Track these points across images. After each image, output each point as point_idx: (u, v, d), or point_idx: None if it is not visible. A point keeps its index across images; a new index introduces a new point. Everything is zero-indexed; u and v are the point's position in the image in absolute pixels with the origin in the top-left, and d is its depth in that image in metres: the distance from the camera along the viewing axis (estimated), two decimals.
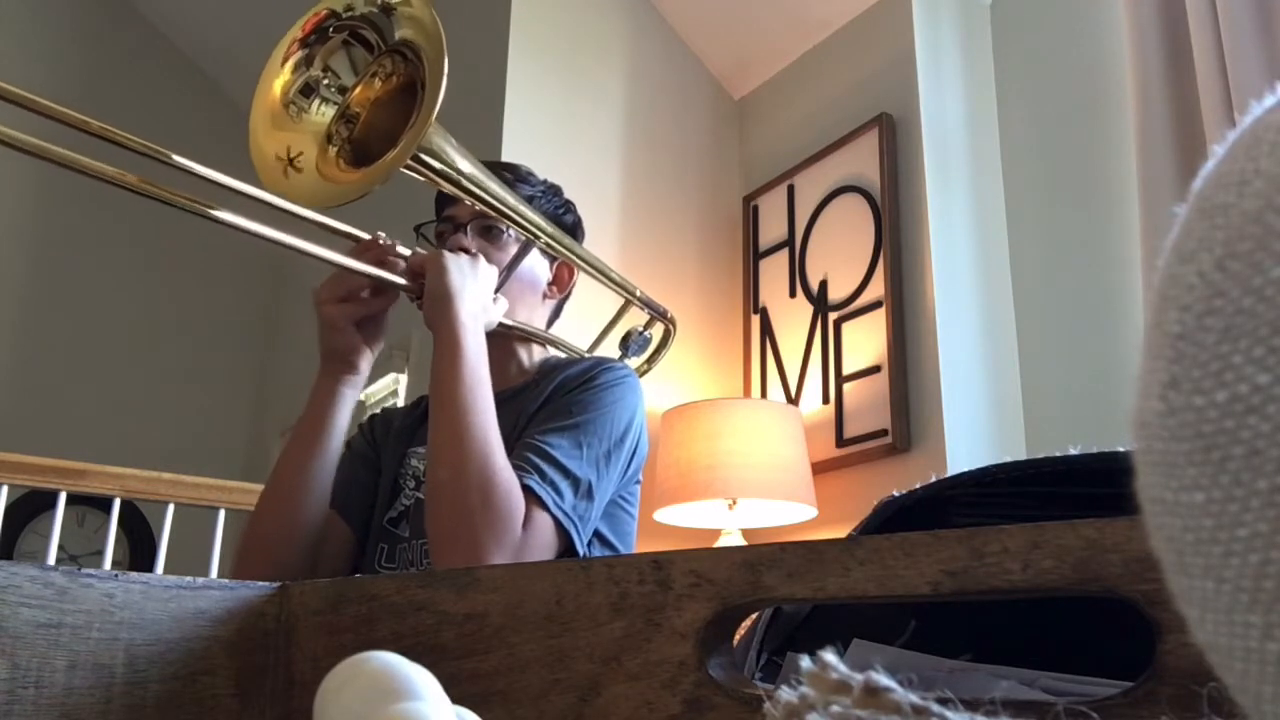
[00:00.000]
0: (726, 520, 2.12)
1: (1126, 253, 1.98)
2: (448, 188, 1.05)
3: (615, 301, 1.44)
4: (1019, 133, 2.33)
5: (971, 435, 2.08)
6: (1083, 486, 0.53)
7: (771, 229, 2.60)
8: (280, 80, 1.00)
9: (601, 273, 1.28)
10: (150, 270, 3.86)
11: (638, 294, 1.37)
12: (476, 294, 1.07)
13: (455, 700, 0.38)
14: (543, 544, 0.99)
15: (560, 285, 1.28)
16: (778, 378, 2.46)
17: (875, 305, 2.24)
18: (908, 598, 0.41)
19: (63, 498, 2.20)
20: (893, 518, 0.56)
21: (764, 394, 2.48)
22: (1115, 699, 0.36)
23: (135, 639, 0.54)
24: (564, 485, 1.02)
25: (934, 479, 0.58)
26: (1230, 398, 0.18)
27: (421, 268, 1.07)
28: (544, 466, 1.02)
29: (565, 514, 1.01)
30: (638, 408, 1.14)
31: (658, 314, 1.42)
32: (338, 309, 1.05)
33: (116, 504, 2.27)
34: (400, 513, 1.15)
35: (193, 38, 4.02)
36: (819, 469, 2.21)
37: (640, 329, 1.41)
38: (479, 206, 1.09)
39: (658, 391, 2.32)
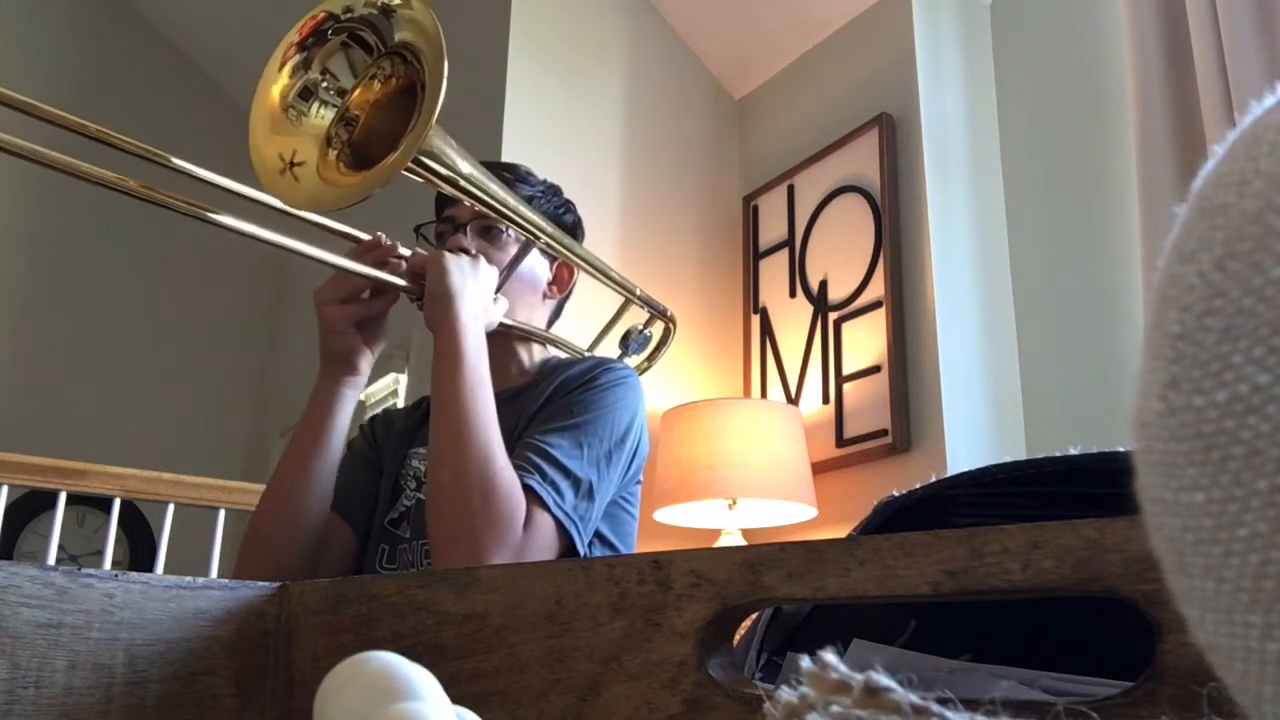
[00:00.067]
0: (726, 520, 2.12)
1: (1126, 253, 1.98)
2: (448, 189, 1.05)
3: (615, 301, 1.44)
4: (1019, 133, 2.33)
5: (971, 435, 2.08)
6: (1083, 486, 0.53)
7: (771, 229, 2.60)
8: (279, 84, 1.00)
9: (601, 272, 1.28)
10: (150, 270, 3.86)
11: (638, 293, 1.37)
12: (477, 294, 1.07)
13: (455, 700, 0.38)
14: (544, 544, 0.99)
15: (560, 285, 1.28)
16: (778, 378, 2.46)
17: (875, 305, 2.24)
18: (908, 598, 0.41)
19: (63, 498, 2.20)
20: (893, 518, 0.56)
21: (764, 394, 2.48)
22: (1115, 699, 0.36)
23: (135, 639, 0.54)
24: (565, 485, 1.02)
25: (934, 479, 0.58)
26: (1230, 398, 0.18)
27: (422, 268, 1.07)
28: (545, 467, 1.02)
29: (566, 514, 1.01)
30: (638, 408, 1.14)
31: (658, 312, 1.42)
32: (338, 310, 1.05)
33: (116, 504, 2.27)
34: (401, 513, 1.15)
35: (193, 38, 4.02)
36: (819, 469, 2.21)
37: (640, 327, 1.41)
38: (479, 207, 1.09)
39: (658, 391, 2.32)
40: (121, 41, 3.95)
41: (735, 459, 2.03)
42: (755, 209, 2.67)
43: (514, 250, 1.18)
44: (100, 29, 3.91)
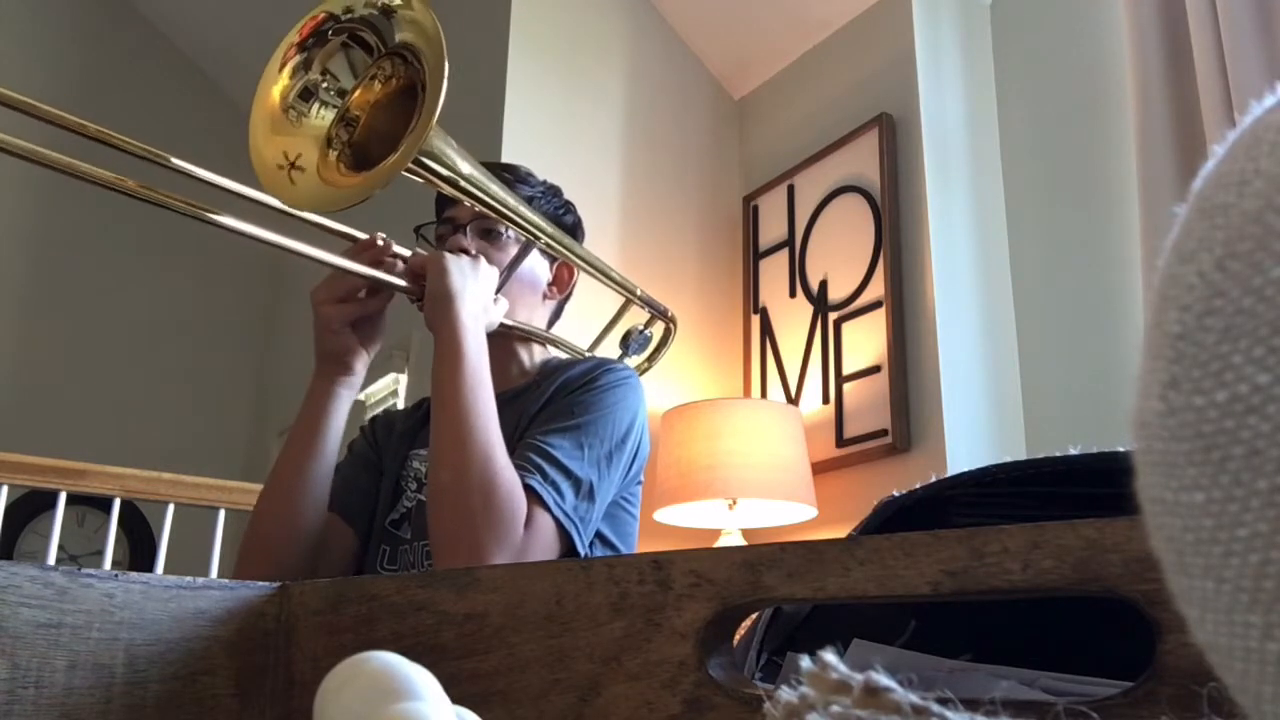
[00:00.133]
0: (726, 520, 2.12)
1: (1126, 253, 1.98)
2: (449, 190, 1.05)
3: (615, 301, 1.44)
4: (1019, 133, 2.33)
5: (971, 435, 2.08)
6: (1083, 486, 0.53)
7: (771, 229, 2.60)
8: (279, 84, 0.99)
9: (602, 272, 1.28)
10: (150, 270, 3.86)
11: (638, 293, 1.37)
12: (477, 295, 1.07)
13: (455, 700, 0.38)
14: (544, 545, 0.99)
15: (560, 285, 1.28)
16: (778, 378, 2.46)
17: (875, 305, 2.24)
18: (908, 598, 0.41)
19: (63, 498, 2.20)
20: (893, 518, 0.56)
21: (764, 394, 2.48)
22: (1115, 699, 0.36)
23: (135, 639, 0.54)
24: (565, 486, 1.02)
25: (934, 479, 0.58)
26: (1230, 398, 0.18)
27: (422, 269, 1.07)
28: (546, 467, 1.02)
29: (567, 515, 1.01)
30: (639, 409, 1.14)
31: (658, 313, 1.42)
32: (334, 309, 1.05)
33: (116, 504, 2.27)
34: (402, 514, 1.15)
35: (193, 38, 4.02)
36: (819, 469, 2.21)
37: (641, 327, 1.41)
38: (479, 208, 1.09)
39: (658, 391, 2.32)
40: (121, 41, 3.95)
41: (735, 459, 2.03)
42: (755, 209, 2.67)
43: (514, 251, 1.18)
44: (100, 29, 3.91)
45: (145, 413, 3.70)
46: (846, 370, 2.28)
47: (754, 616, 0.58)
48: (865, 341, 2.25)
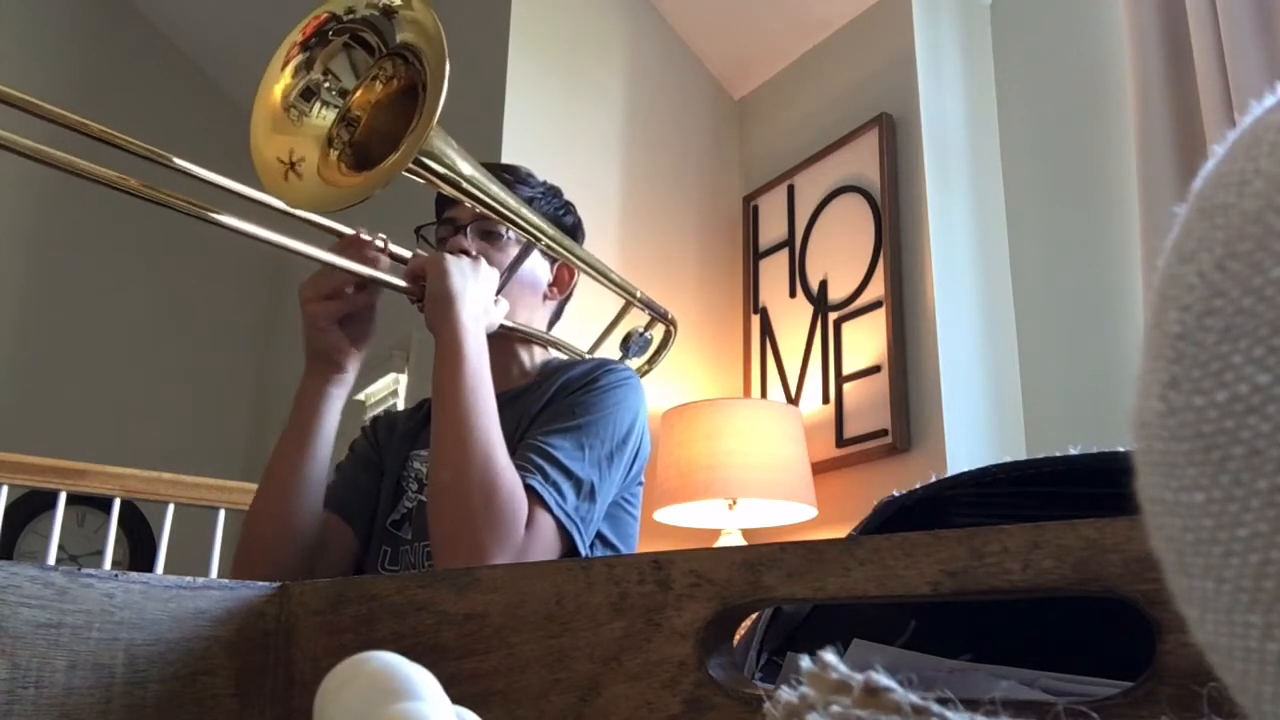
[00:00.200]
0: (726, 520, 2.12)
1: (1126, 253, 1.98)
2: (449, 190, 1.05)
3: (616, 303, 1.44)
4: (1019, 133, 2.33)
5: (971, 435, 2.08)
6: (1083, 486, 0.53)
7: (771, 229, 2.60)
8: (281, 84, 0.99)
9: (602, 274, 1.28)
10: (150, 270, 3.86)
11: (638, 295, 1.37)
12: (477, 296, 1.07)
13: (455, 700, 0.38)
14: (545, 545, 0.99)
15: (561, 286, 1.28)
16: (778, 378, 2.46)
17: (875, 305, 2.24)
18: (908, 598, 0.41)
19: (63, 498, 2.20)
20: (893, 518, 0.56)
21: (764, 394, 2.48)
22: (1115, 699, 0.36)
23: (135, 639, 0.54)
24: (566, 486, 1.02)
25: (934, 479, 0.58)
26: (1230, 398, 0.18)
27: (422, 270, 1.07)
28: (546, 467, 1.02)
29: (567, 515, 1.01)
30: (640, 409, 1.14)
31: (658, 315, 1.42)
32: (321, 307, 1.04)
33: (116, 504, 2.27)
34: (403, 515, 1.15)
35: (193, 38, 4.02)
36: (819, 469, 2.21)
37: (641, 330, 1.41)
38: (479, 209, 1.09)
39: (658, 392, 2.32)
40: (121, 41, 3.95)
41: (735, 459, 2.03)
42: (755, 209, 2.67)
43: (514, 252, 1.18)
44: (100, 29, 3.91)
45: (145, 413, 3.70)
46: (846, 370, 2.28)
47: (754, 616, 0.58)
48: (865, 341, 2.25)
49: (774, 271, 2.56)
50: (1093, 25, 2.16)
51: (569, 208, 1.28)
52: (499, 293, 1.13)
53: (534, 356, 1.24)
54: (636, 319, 1.44)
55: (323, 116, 1.00)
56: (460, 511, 0.95)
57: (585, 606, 0.48)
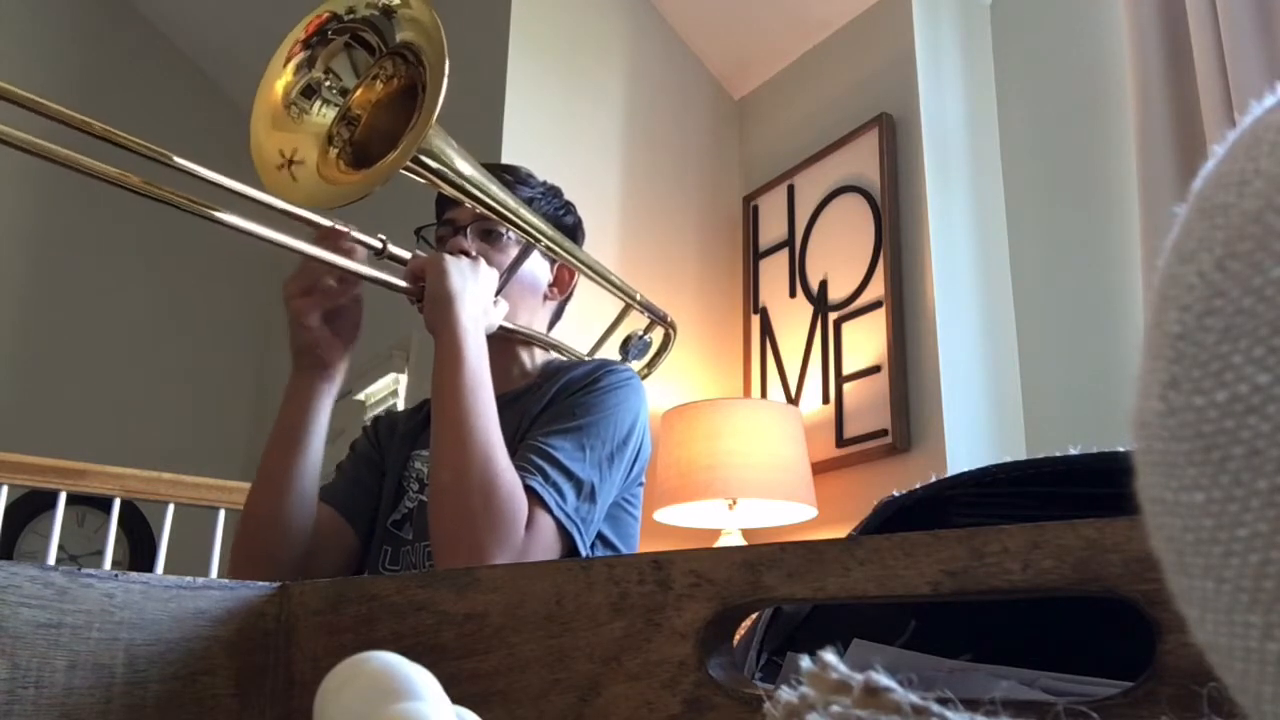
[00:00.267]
0: (726, 520, 2.12)
1: (1126, 253, 1.98)
2: (448, 190, 1.05)
3: (616, 305, 1.44)
4: (1019, 133, 2.33)
5: (971, 435, 2.08)
6: (1083, 486, 0.53)
7: (771, 229, 2.60)
8: (282, 80, 0.99)
9: (602, 276, 1.28)
10: (150, 270, 3.85)
11: (638, 298, 1.37)
12: (477, 297, 1.07)
13: (455, 700, 0.38)
14: (545, 546, 0.99)
15: (561, 287, 1.28)
16: (778, 378, 2.46)
17: (875, 305, 2.24)
18: (908, 598, 0.41)
19: (63, 498, 2.20)
20: (893, 518, 0.56)
21: (764, 394, 2.48)
22: (1115, 699, 0.36)
23: (135, 639, 0.54)
24: (567, 487, 1.02)
25: (934, 479, 0.58)
26: (1230, 398, 0.18)
27: (422, 271, 1.07)
28: (547, 468, 1.02)
29: (568, 516, 1.01)
30: (641, 410, 1.14)
31: (658, 318, 1.42)
32: (303, 302, 1.02)
33: (116, 504, 2.27)
34: (404, 515, 1.15)
35: (193, 38, 4.02)
36: (819, 469, 2.21)
37: (640, 333, 1.41)
38: (479, 209, 1.09)
39: (658, 392, 2.32)
40: (121, 41, 3.95)
41: (735, 459, 2.03)
42: (755, 209, 2.67)
43: (514, 252, 1.18)
44: (100, 28, 3.91)
45: (145, 413, 3.70)
46: (846, 370, 2.28)
47: (754, 616, 0.58)
48: (865, 341, 2.25)
49: (774, 271, 2.56)
50: (1093, 25, 2.16)
51: (569, 208, 1.28)
52: (499, 293, 1.13)
53: (534, 358, 1.24)
54: (636, 321, 1.44)
55: (323, 115, 1.00)
56: (460, 512, 0.95)
57: (585, 606, 0.48)
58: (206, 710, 0.55)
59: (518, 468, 1.00)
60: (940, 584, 0.40)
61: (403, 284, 1.07)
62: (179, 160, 0.91)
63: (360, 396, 2.96)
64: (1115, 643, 0.47)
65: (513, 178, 1.20)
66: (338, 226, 1.02)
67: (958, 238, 2.22)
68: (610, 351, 1.45)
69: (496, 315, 1.11)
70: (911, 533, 0.41)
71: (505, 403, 1.07)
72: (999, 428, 2.13)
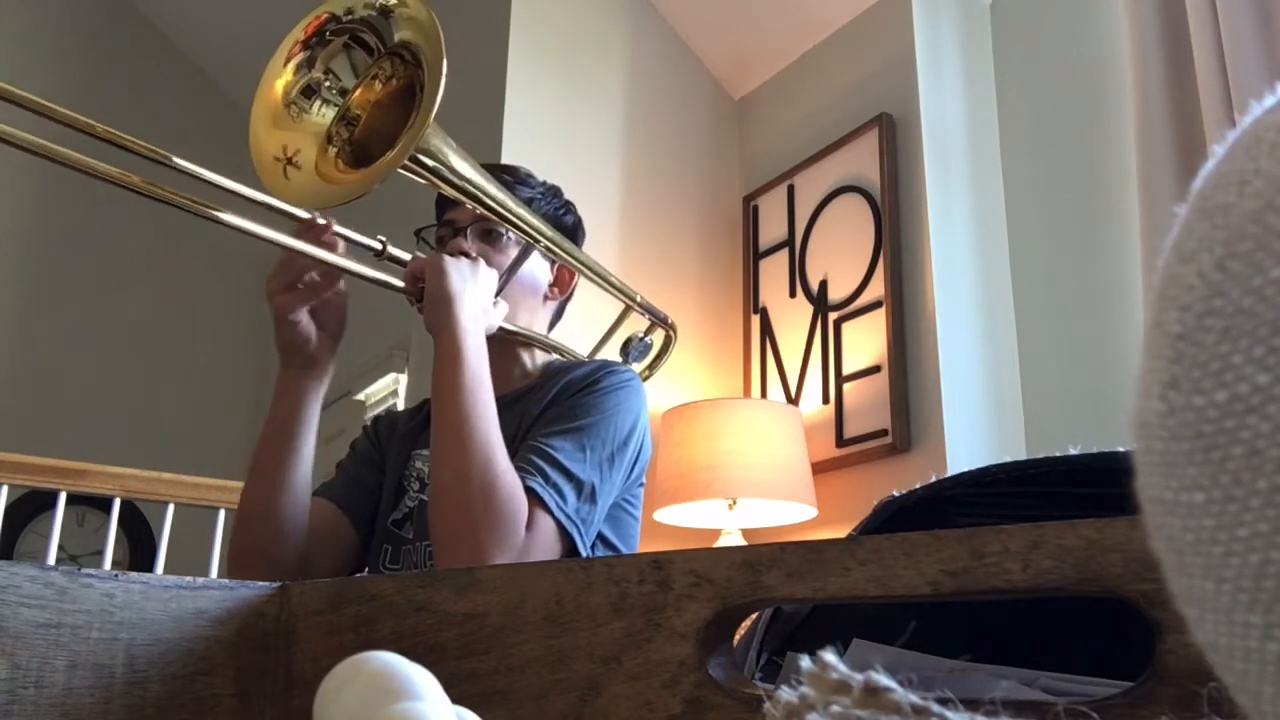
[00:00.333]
0: (726, 520, 2.12)
1: (1126, 253, 1.98)
2: (446, 189, 1.05)
3: (616, 306, 1.44)
4: (1019, 132, 2.33)
5: (971, 435, 2.08)
6: (1083, 486, 0.53)
7: (771, 229, 2.60)
8: (282, 80, 0.99)
9: (602, 278, 1.28)
10: (150, 270, 3.86)
11: (638, 299, 1.37)
12: (477, 298, 1.07)
13: (455, 700, 0.38)
14: (545, 546, 0.99)
15: (561, 287, 1.28)
16: (778, 378, 2.46)
17: (875, 305, 2.24)
18: (908, 598, 0.41)
19: (63, 498, 2.20)
20: (893, 518, 0.56)
21: (764, 394, 2.48)
22: (1115, 699, 0.36)
23: (135, 639, 0.54)
24: (567, 488, 1.02)
25: (934, 479, 0.58)
26: (1230, 398, 0.18)
27: (421, 272, 1.07)
28: (547, 469, 1.02)
29: (568, 517, 1.01)
30: (641, 411, 1.14)
31: (658, 320, 1.42)
32: (286, 298, 1.02)
33: (116, 504, 2.27)
34: (404, 514, 1.15)
35: (193, 37, 4.02)
36: (819, 469, 2.21)
37: (641, 335, 1.41)
38: (479, 210, 1.09)
39: (658, 392, 2.32)
40: (121, 40, 3.95)
41: (735, 459, 2.03)
42: (755, 209, 2.67)
43: (514, 253, 1.18)
44: (100, 28, 3.91)
45: (145, 413, 3.70)
46: (846, 370, 2.28)
47: (754, 616, 0.58)
48: (865, 341, 2.25)
49: (774, 271, 2.56)
50: (1093, 25, 2.16)
51: (569, 207, 1.28)
52: (499, 294, 1.13)
53: (534, 358, 1.24)
54: (636, 323, 1.44)
55: (322, 114, 1.00)
56: (461, 513, 0.95)
57: (585, 606, 0.48)
58: (206, 710, 0.55)
59: (518, 468, 1.00)
60: (940, 584, 0.40)
61: (402, 285, 1.07)
62: (179, 161, 0.91)
63: (360, 396, 2.96)
64: (1115, 643, 0.47)
65: (512, 178, 1.20)
66: (318, 219, 1.01)
67: (958, 238, 2.22)
68: (611, 353, 1.45)
69: (496, 316, 1.11)
70: (911, 533, 0.41)
71: (505, 404, 1.07)
72: (999, 428, 2.13)
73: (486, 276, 1.10)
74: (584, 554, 1.03)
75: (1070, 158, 2.18)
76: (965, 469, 0.58)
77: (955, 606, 0.47)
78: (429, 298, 1.05)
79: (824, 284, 2.40)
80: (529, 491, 0.99)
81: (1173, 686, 0.35)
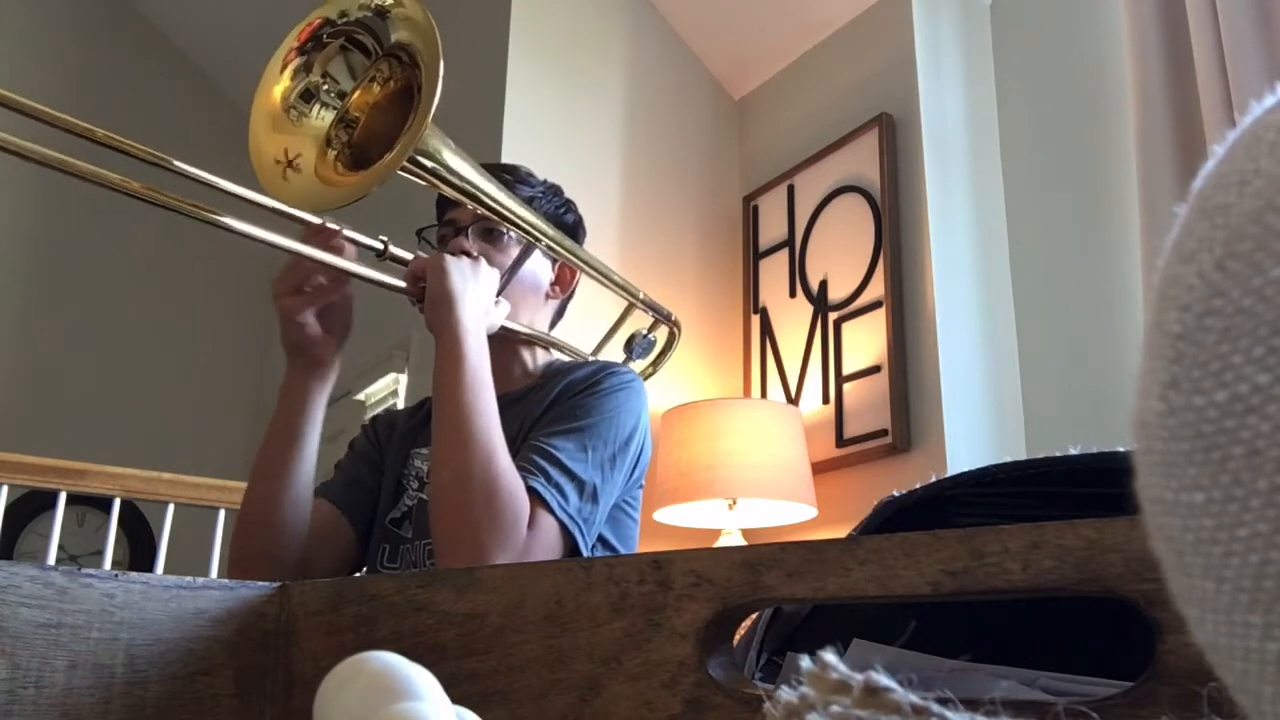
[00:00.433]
0: (726, 520, 2.12)
1: (1126, 253, 1.98)
2: (447, 190, 1.05)
3: (618, 304, 1.44)
4: (1019, 132, 2.33)
5: (971, 435, 2.08)
6: (1083, 486, 0.53)
7: (771, 229, 2.60)
8: (280, 86, 0.99)
9: (604, 276, 1.28)
10: (150, 270, 3.86)
11: (641, 296, 1.37)
12: (478, 297, 1.07)
13: (455, 700, 0.38)
14: (547, 546, 0.99)
15: (563, 286, 1.28)
16: (778, 378, 2.46)
17: (875, 305, 2.24)
18: (908, 598, 0.41)
19: (63, 498, 2.20)
20: (893, 518, 0.56)
21: (764, 394, 2.48)
22: (1115, 699, 0.36)
23: (135, 639, 0.54)
24: (569, 488, 1.02)
25: (934, 479, 0.58)
26: (1230, 398, 0.18)
27: (422, 271, 1.07)
28: (549, 469, 1.02)
29: (570, 516, 1.01)
30: (642, 412, 1.14)
31: (662, 317, 1.42)
32: (293, 300, 1.03)
33: (116, 504, 2.27)
34: (403, 513, 1.15)
35: (192, 37, 4.02)
36: (819, 469, 2.21)
37: (644, 332, 1.41)
38: (479, 209, 1.09)
39: (658, 391, 2.32)
40: (121, 40, 3.95)
41: (735, 459, 2.03)
42: (755, 209, 2.67)
43: (515, 252, 1.18)
44: (99, 28, 3.91)
45: (145, 413, 3.70)
46: (846, 370, 2.28)
47: (754, 616, 0.58)
48: (865, 341, 2.25)
49: (774, 271, 2.56)
50: (1093, 25, 2.16)
51: (570, 206, 1.28)
52: (500, 293, 1.13)
53: (536, 358, 1.24)
54: (639, 321, 1.44)
55: (322, 117, 1.00)
56: (462, 513, 0.95)
57: (585, 606, 0.48)
58: (206, 710, 0.55)
59: (520, 468, 1.00)
60: (940, 584, 0.40)
61: (404, 285, 1.07)
62: (179, 164, 0.91)
63: (360, 396, 2.96)
64: (1115, 643, 0.47)
65: (512, 177, 1.20)
66: (328, 225, 1.02)
67: (958, 238, 2.22)
68: (614, 350, 1.45)
69: (498, 315, 1.11)
70: (911, 533, 0.41)
71: (506, 403, 1.07)
72: (999, 428, 2.13)
73: (488, 276, 1.10)
74: (585, 554, 1.03)
75: (1070, 158, 2.18)
76: (965, 469, 0.58)
77: (955, 606, 0.47)
78: (430, 297, 1.05)
79: (824, 284, 2.40)
80: (531, 491, 0.99)
81: (1173, 686, 0.35)
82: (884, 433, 2.14)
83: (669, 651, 0.46)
